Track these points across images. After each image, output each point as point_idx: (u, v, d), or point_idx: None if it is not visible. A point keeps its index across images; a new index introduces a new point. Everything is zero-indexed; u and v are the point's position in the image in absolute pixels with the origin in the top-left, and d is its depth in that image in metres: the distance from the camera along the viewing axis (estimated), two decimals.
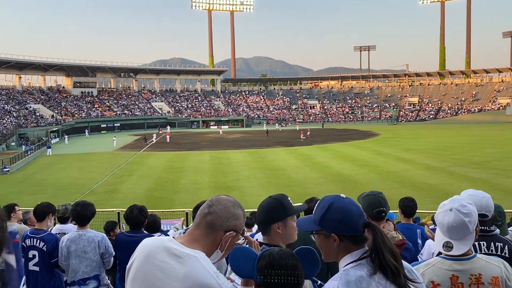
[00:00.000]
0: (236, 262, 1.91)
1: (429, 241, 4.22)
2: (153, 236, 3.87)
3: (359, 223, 1.84)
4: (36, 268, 4.85)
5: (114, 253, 4.91)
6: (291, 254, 1.86)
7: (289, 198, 2.60)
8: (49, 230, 5.44)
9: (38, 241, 4.87)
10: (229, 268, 2.59)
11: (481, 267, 2.25)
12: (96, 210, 5.13)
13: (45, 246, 4.85)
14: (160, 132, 71.04)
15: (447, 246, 2.30)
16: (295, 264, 1.81)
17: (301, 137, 54.69)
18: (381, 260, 1.76)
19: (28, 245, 4.90)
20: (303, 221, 2.05)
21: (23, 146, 47.61)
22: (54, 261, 4.88)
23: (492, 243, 2.99)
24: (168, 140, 56.31)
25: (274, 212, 2.47)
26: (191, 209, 6.16)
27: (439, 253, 2.44)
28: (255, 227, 7.71)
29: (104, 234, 5.02)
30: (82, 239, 4.75)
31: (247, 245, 2.12)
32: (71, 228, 5.59)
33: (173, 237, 1.95)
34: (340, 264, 1.89)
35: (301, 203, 2.75)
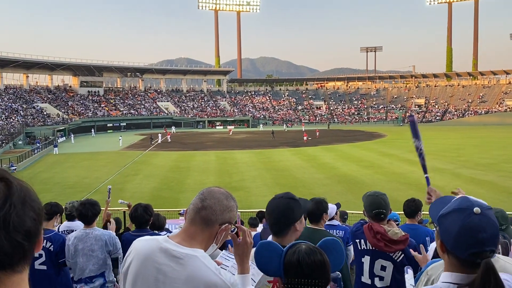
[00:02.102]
0: (262, 259, 1.88)
1: (432, 245, 4.21)
2: (159, 235, 3.87)
3: (469, 250, 1.57)
4: (43, 267, 4.84)
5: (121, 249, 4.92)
6: (318, 249, 1.82)
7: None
8: (56, 228, 5.45)
9: (45, 241, 4.84)
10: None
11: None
12: (102, 208, 5.13)
13: (52, 246, 4.83)
14: (165, 132, 71.24)
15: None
16: (323, 260, 1.78)
17: (304, 138, 53.46)
18: None
19: None
20: (436, 205, 1.84)
21: (38, 144, 48.31)
22: (62, 260, 4.88)
23: None
24: (169, 140, 56.39)
25: (296, 212, 2.47)
26: None
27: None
28: (260, 226, 7.71)
29: (112, 232, 5.03)
30: (89, 238, 4.75)
31: (236, 233, 2.08)
32: (78, 225, 5.59)
33: (167, 236, 1.93)
34: (441, 276, 1.72)
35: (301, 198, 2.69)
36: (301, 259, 1.76)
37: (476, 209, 1.60)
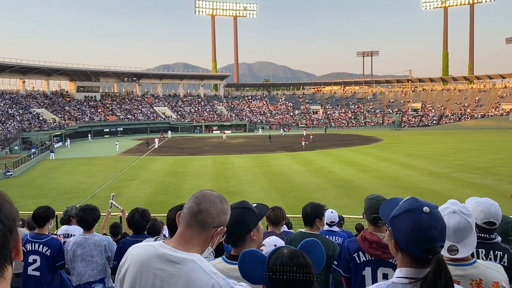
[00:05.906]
0: (245, 268, 1.88)
1: None
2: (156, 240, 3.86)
3: (422, 247, 1.67)
4: (37, 273, 4.78)
5: None
6: (301, 252, 1.84)
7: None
8: (55, 232, 5.43)
9: (41, 246, 4.81)
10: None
11: (482, 272, 2.23)
12: (103, 214, 5.12)
13: (49, 250, 4.80)
14: (162, 137, 71.16)
15: (452, 250, 2.24)
16: (306, 262, 1.79)
17: (303, 144, 52.30)
18: None
19: (28, 250, 4.83)
20: (386, 207, 1.92)
21: (34, 149, 48.25)
22: (59, 264, 4.85)
23: (491, 251, 2.95)
24: (156, 146, 54.95)
25: (249, 222, 2.47)
26: None
27: None
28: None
29: (110, 238, 5.01)
30: (88, 243, 4.72)
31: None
32: (75, 229, 5.57)
33: (163, 241, 1.93)
34: (396, 272, 1.80)
35: (255, 203, 2.69)
36: (285, 263, 1.77)
37: (425, 209, 1.71)
